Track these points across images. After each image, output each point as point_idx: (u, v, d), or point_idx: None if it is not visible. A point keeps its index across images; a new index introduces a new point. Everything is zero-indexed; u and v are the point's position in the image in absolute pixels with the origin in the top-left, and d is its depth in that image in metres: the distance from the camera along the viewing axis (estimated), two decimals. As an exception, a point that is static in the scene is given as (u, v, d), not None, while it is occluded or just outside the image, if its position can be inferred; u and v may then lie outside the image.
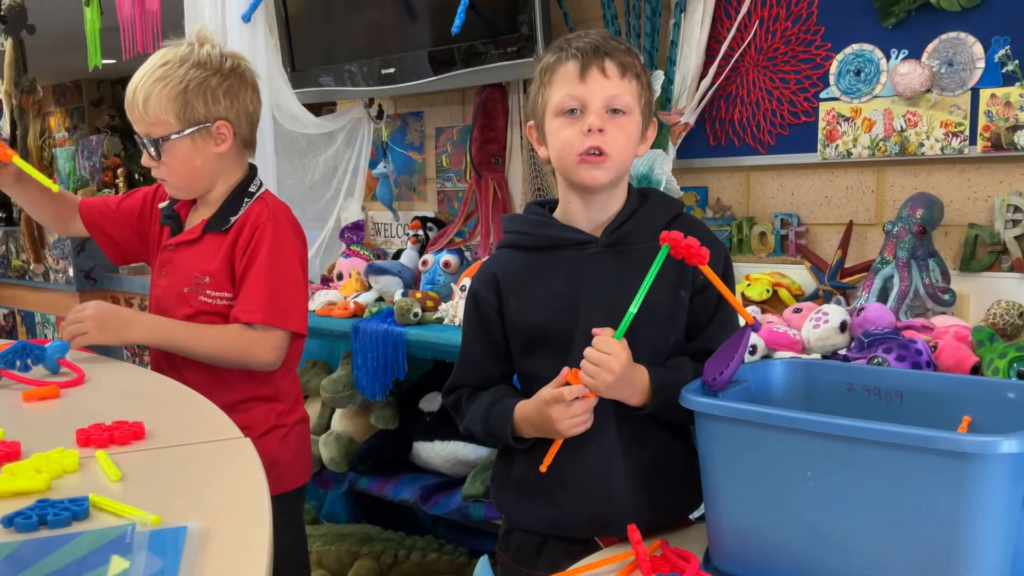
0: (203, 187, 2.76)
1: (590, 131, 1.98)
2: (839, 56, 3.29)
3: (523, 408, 2.06)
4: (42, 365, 2.54)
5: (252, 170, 2.81)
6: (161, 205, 2.86)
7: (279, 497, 2.35)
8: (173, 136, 2.64)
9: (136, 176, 8.02)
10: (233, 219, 2.68)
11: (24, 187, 2.84)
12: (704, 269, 1.81)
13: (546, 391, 1.96)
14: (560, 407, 1.92)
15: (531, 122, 2.14)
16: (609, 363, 1.89)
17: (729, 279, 2.15)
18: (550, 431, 1.96)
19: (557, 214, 2.15)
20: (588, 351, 1.91)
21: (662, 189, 3.39)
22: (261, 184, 2.79)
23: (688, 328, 2.11)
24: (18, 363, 2.52)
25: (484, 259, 2.32)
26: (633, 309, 1.84)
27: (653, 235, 1.95)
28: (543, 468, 1.95)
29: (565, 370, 1.94)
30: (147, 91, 2.66)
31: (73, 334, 2.60)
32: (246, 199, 2.72)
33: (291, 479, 2.81)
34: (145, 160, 2.73)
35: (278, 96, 4.28)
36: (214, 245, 2.69)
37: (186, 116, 2.62)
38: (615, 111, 2.00)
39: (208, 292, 2.66)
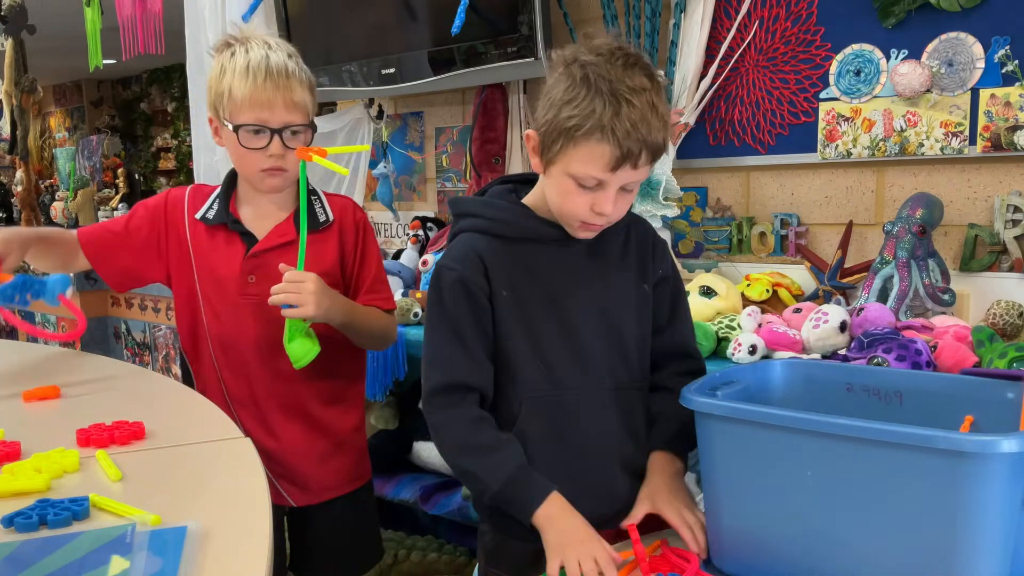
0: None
1: (601, 214, 1.94)
2: (839, 56, 3.29)
3: (554, 508, 1.93)
4: (42, 300, 2.59)
5: None
6: (207, 215, 2.63)
7: (368, 485, 2.85)
8: (306, 127, 2.53)
9: (136, 176, 8.02)
10: (327, 216, 2.64)
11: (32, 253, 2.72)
12: None
13: (602, 546, 1.84)
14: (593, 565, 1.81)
15: (532, 132, 2.01)
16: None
17: (678, 279, 2.20)
18: (560, 556, 1.86)
19: (533, 204, 2.10)
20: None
21: (662, 189, 3.39)
22: None
23: (652, 319, 2.12)
24: (17, 297, 2.56)
25: (451, 241, 2.17)
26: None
27: (619, 232, 2.08)
28: None
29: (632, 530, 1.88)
30: (292, 81, 2.48)
31: (290, 302, 2.39)
32: (315, 195, 2.66)
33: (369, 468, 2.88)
34: (277, 148, 2.47)
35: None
36: (316, 243, 2.58)
37: (311, 110, 2.57)
38: (627, 189, 1.96)
39: None
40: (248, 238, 2.60)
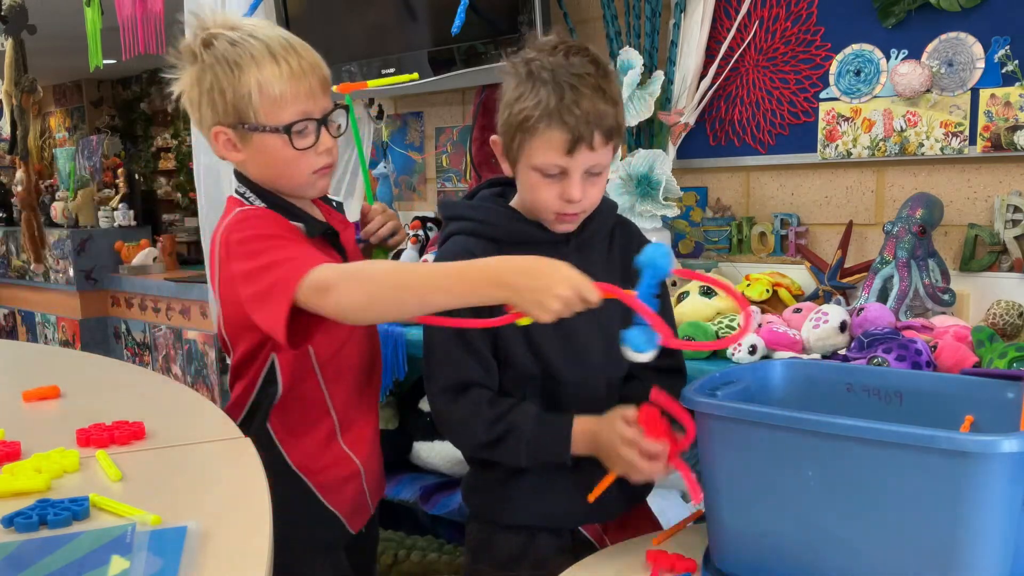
0: None
1: (570, 201, 1.98)
2: (839, 56, 3.29)
3: (584, 425, 2.01)
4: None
5: None
6: (315, 231, 2.20)
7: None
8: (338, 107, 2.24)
9: (136, 176, 8.01)
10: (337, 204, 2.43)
11: None
12: None
13: (627, 430, 1.91)
14: (634, 454, 1.89)
15: (496, 137, 2.07)
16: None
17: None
18: (609, 463, 1.95)
19: (519, 206, 2.13)
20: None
21: (662, 189, 3.39)
22: None
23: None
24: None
25: (442, 244, 2.19)
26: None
27: (606, 235, 2.15)
28: (591, 498, 1.94)
29: (645, 409, 1.92)
30: (317, 55, 2.18)
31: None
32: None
33: None
34: (328, 141, 2.15)
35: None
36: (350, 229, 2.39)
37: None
38: (593, 172, 2.00)
39: None
40: (331, 233, 2.25)
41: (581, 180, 1.97)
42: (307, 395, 2.24)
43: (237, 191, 2.22)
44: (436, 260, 2.09)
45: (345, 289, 1.86)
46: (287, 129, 2.06)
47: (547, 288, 1.70)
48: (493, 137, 2.07)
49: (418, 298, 1.83)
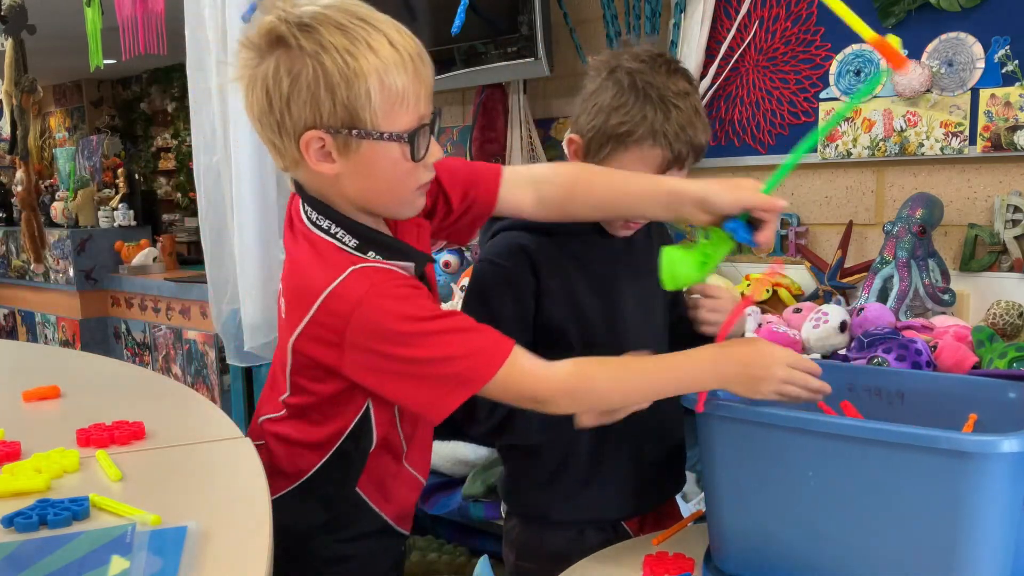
0: None
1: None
2: (839, 56, 3.30)
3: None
4: None
5: None
6: (421, 267, 1.86)
7: None
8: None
9: (136, 176, 8.01)
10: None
11: None
12: None
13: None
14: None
15: (576, 137, 2.02)
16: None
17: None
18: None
19: None
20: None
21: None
22: None
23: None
24: None
25: (490, 240, 2.11)
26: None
27: (642, 228, 2.10)
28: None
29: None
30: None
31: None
32: None
33: None
34: (436, 152, 1.76)
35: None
36: (424, 226, 1.96)
37: None
38: None
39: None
40: (420, 259, 1.87)
41: None
42: (392, 442, 1.97)
43: (311, 220, 1.78)
44: (485, 256, 2.06)
45: (599, 395, 1.76)
46: (411, 137, 1.67)
47: (765, 377, 1.68)
48: (571, 135, 2.02)
49: (649, 397, 1.78)
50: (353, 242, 1.74)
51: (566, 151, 2.03)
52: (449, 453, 3.77)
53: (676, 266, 1.72)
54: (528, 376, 1.70)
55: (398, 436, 1.95)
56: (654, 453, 2.15)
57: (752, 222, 1.70)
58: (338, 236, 1.75)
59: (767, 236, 1.70)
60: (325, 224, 1.75)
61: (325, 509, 1.92)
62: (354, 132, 1.63)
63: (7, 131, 7.13)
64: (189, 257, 7.70)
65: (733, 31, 3.52)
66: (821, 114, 3.36)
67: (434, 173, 1.77)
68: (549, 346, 1.96)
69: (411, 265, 1.80)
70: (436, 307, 1.73)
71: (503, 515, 2.32)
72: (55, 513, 1.49)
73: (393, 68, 1.62)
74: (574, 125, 2.02)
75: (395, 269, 1.74)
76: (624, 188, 1.87)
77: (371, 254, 1.74)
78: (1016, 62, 2.93)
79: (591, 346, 2.02)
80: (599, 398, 1.76)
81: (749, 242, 1.70)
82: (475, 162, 1.89)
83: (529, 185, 1.89)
